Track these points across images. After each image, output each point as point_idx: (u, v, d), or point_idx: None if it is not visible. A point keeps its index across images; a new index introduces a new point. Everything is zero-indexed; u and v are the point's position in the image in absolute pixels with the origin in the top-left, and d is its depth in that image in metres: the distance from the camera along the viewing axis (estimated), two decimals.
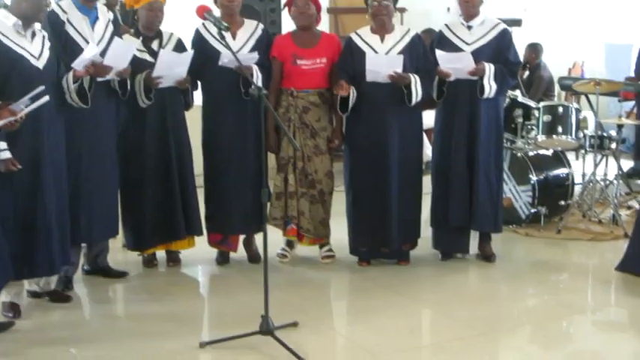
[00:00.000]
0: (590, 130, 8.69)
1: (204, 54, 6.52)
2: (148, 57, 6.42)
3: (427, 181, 7.05)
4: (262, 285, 5.11)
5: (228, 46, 5.57)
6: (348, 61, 6.61)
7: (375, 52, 6.54)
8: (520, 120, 8.19)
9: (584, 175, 8.62)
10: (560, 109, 8.26)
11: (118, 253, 7.07)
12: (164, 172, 6.55)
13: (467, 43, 6.69)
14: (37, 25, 5.62)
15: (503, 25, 6.77)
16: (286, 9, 6.88)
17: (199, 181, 6.81)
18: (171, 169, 6.55)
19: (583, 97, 9.88)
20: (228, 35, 6.15)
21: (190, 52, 6.46)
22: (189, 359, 5.16)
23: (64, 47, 5.93)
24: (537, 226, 7.99)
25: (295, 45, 6.69)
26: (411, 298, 6.27)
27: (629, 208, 8.69)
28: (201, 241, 6.89)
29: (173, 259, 6.89)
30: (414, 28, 6.87)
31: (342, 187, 6.87)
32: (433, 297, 6.32)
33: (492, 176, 6.82)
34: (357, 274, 6.74)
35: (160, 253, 6.90)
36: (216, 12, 6.36)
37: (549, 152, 8.40)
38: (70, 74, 5.68)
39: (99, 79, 5.90)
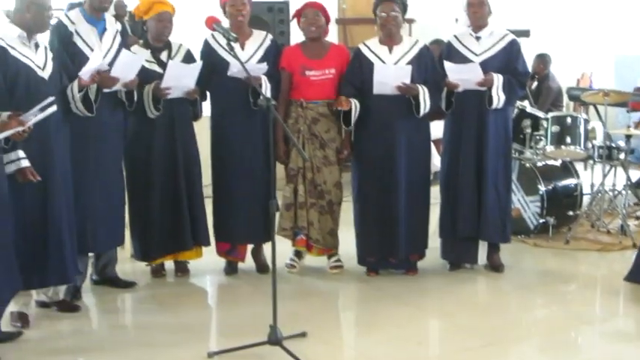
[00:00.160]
0: (599, 140, 8.68)
1: (213, 64, 6.54)
2: (156, 68, 6.44)
3: (435, 192, 7.05)
4: (270, 295, 5.11)
5: (236, 57, 5.59)
6: (356, 72, 6.61)
7: (383, 62, 6.55)
8: (528, 130, 8.19)
9: (592, 186, 8.61)
10: (569, 120, 8.25)
11: (126, 263, 7.08)
12: (172, 182, 6.56)
13: (475, 54, 6.70)
14: (39, 36, 5.65)
15: (511, 36, 6.78)
16: (295, 20, 6.91)
17: (207, 191, 6.82)
18: (179, 180, 6.56)
19: (591, 108, 9.88)
20: (236, 45, 6.20)
21: (199, 63, 6.47)
22: None
23: (72, 58, 5.95)
24: (546, 236, 7.97)
25: (304, 56, 6.71)
26: (419, 309, 6.27)
27: (638, 218, 8.66)
28: (210, 252, 6.90)
29: (181, 269, 6.90)
30: (422, 39, 6.88)
31: (350, 197, 6.87)
32: (441, 307, 6.32)
33: (501, 187, 6.82)
34: (365, 284, 6.73)
35: (169, 264, 6.91)
36: (225, 23, 6.38)
37: (558, 163, 8.40)
38: (75, 83, 5.71)
39: (105, 90, 5.92)
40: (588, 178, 8.75)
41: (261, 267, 6.95)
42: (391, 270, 6.88)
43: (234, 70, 6.30)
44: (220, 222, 6.84)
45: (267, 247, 6.73)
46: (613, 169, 8.39)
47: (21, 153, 5.24)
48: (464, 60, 6.66)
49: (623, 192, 8.40)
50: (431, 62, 6.68)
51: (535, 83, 11.55)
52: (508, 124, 6.90)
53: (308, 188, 6.74)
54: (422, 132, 6.75)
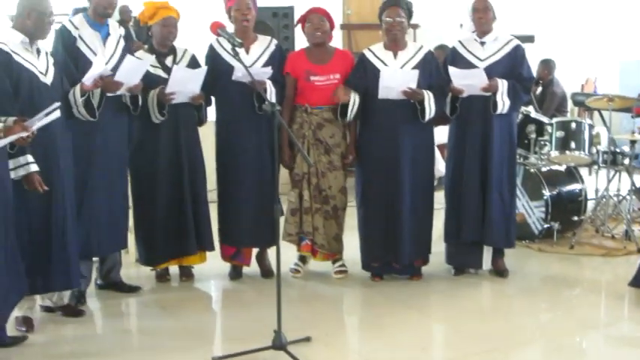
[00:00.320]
0: (603, 145, 8.67)
1: (218, 68, 6.54)
2: (161, 73, 6.45)
3: (440, 197, 7.06)
4: (275, 300, 5.11)
5: (241, 61, 5.60)
6: (361, 76, 6.61)
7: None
8: (533, 136, 8.19)
9: (597, 191, 8.60)
10: (573, 125, 8.25)
11: (131, 267, 7.10)
12: (176, 187, 6.57)
13: (480, 59, 6.70)
14: (41, 42, 5.66)
15: (516, 41, 6.78)
16: (299, 25, 6.91)
17: (212, 196, 6.83)
18: (184, 185, 6.57)
19: (596, 113, 9.88)
20: (241, 50, 6.20)
21: (204, 68, 6.48)
22: None
23: (76, 63, 5.97)
24: (550, 241, 7.97)
25: (309, 61, 6.71)
26: (424, 314, 6.27)
27: None
28: (214, 256, 6.91)
29: (186, 273, 6.91)
30: (426, 45, 6.88)
31: (354, 202, 6.87)
32: (446, 312, 6.32)
33: (505, 192, 6.81)
34: (370, 289, 6.73)
35: (173, 268, 6.91)
36: (230, 28, 6.40)
37: (562, 168, 8.40)
38: (78, 87, 5.73)
39: (109, 94, 5.93)
40: (593, 183, 8.75)
41: (266, 272, 6.95)
42: (395, 275, 6.88)
43: (239, 74, 6.31)
44: (226, 226, 6.84)
45: (271, 252, 6.74)
46: (617, 174, 8.38)
47: (30, 157, 5.26)
48: (468, 65, 6.67)
49: (628, 197, 8.40)
50: (435, 67, 6.69)
51: (539, 89, 11.56)
52: (513, 130, 6.90)
53: (313, 193, 6.75)
54: (426, 137, 6.75)
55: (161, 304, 6.43)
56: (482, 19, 6.67)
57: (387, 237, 6.67)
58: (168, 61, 6.53)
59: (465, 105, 6.66)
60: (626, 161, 8.31)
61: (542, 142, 8.26)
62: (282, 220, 6.40)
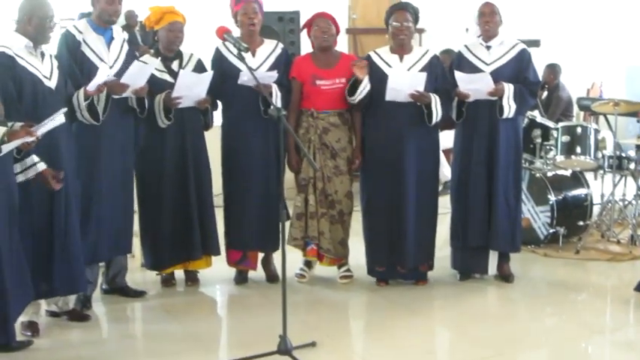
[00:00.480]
0: (609, 150, 8.66)
1: (224, 72, 6.56)
2: (168, 77, 6.46)
3: (445, 201, 7.05)
4: (280, 305, 5.11)
5: (247, 65, 5.61)
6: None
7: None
8: (539, 140, 8.20)
9: (602, 196, 8.57)
10: (579, 130, 8.25)
11: (136, 272, 7.10)
12: (182, 192, 6.57)
13: (486, 64, 6.70)
14: (44, 46, 5.67)
15: (522, 45, 6.77)
16: (305, 30, 6.92)
17: (217, 201, 6.83)
18: (190, 189, 6.57)
19: (602, 118, 9.85)
20: (247, 54, 6.19)
21: (210, 72, 6.48)
22: None
23: (81, 67, 5.98)
24: (556, 246, 7.96)
25: (315, 65, 6.72)
26: (429, 319, 6.28)
27: None
28: (220, 261, 6.91)
29: (191, 278, 6.91)
30: (432, 49, 6.88)
31: (359, 207, 6.88)
32: (451, 317, 6.31)
33: (511, 196, 6.81)
34: (375, 294, 6.73)
35: (179, 273, 6.91)
36: (236, 32, 6.40)
37: (568, 173, 8.39)
38: (81, 92, 5.73)
39: (115, 97, 5.94)
40: (598, 188, 8.71)
41: (271, 277, 6.95)
42: (400, 280, 6.88)
43: (245, 78, 6.32)
44: (231, 229, 6.84)
45: (277, 257, 6.74)
46: (623, 178, 8.38)
47: (35, 157, 5.28)
48: (474, 69, 6.67)
49: (634, 202, 8.38)
50: (441, 72, 6.69)
51: (545, 93, 11.54)
52: (519, 134, 6.90)
53: (319, 198, 6.75)
54: (431, 141, 6.75)
55: (166, 308, 6.43)
56: (490, 23, 6.67)
57: (392, 241, 6.67)
58: (175, 65, 6.54)
59: (471, 109, 6.66)
60: (632, 166, 8.31)
61: (547, 147, 8.25)
62: (287, 224, 6.42)
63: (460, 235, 6.89)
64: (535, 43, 10.10)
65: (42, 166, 5.30)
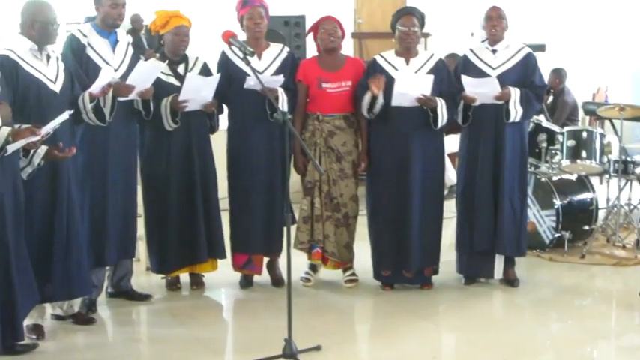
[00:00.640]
0: (615, 155, 8.63)
1: (230, 75, 6.56)
2: (174, 81, 6.47)
3: (450, 206, 7.05)
4: (285, 308, 5.12)
5: (252, 69, 5.61)
6: None
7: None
8: (544, 145, 8.18)
9: (608, 200, 8.58)
10: (584, 134, 8.24)
11: (142, 275, 7.11)
12: (188, 195, 6.57)
13: (492, 68, 6.70)
14: (50, 47, 5.68)
15: (527, 49, 6.78)
16: (310, 35, 6.93)
17: (224, 204, 6.84)
18: (196, 193, 6.57)
19: (607, 122, 9.85)
20: (253, 58, 6.19)
21: (217, 76, 6.49)
22: None
23: (86, 70, 6.00)
24: (561, 250, 7.95)
25: (320, 68, 6.72)
26: (434, 323, 6.27)
27: None
28: (225, 264, 6.90)
29: (197, 282, 6.91)
30: (437, 53, 6.89)
31: (365, 210, 6.87)
32: (456, 321, 6.31)
33: (516, 200, 6.80)
34: (380, 298, 6.73)
35: (184, 276, 6.91)
36: (242, 36, 6.41)
37: (573, 177, 8.38)
38: (87, 93, 5.74)
39: (120, 99, 5.95)
40: (604, 192, 8.72)
41: (276, 280, 6.95)
42: (406, 284, 6.87)
43: (251, 82, 6.31)
44: (237, 233, 6.83)
45: (282, 261, 6.73)
46: (629, 183, 8.37)
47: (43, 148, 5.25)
48: (480, 73, 6.66)
49: (639, 206, 8.37)
50: (447, 75, 6.69)
51: (550, 97, 11.55)
52: (524, 139, 6.90)
53: (324, 201, 6.74)
54: (437, 145, 6.75)
55: (172, 312, 6.44)
56: (497, 27, 6.67)
57: (397, 245, 6.66)
58: (181, 69, 6.54)
59: (476, 113, 6.65)
60: (637, 170, 8.28)
61: (553, 151, 8.25)
62: (293, 228, 6.43)
63: (466, 239, 6.88)
64: (540, 48, 10.08)
65: (44, 147, 5.25)
